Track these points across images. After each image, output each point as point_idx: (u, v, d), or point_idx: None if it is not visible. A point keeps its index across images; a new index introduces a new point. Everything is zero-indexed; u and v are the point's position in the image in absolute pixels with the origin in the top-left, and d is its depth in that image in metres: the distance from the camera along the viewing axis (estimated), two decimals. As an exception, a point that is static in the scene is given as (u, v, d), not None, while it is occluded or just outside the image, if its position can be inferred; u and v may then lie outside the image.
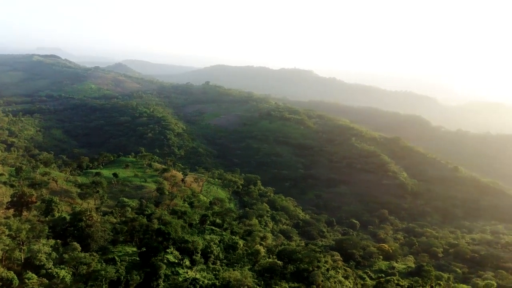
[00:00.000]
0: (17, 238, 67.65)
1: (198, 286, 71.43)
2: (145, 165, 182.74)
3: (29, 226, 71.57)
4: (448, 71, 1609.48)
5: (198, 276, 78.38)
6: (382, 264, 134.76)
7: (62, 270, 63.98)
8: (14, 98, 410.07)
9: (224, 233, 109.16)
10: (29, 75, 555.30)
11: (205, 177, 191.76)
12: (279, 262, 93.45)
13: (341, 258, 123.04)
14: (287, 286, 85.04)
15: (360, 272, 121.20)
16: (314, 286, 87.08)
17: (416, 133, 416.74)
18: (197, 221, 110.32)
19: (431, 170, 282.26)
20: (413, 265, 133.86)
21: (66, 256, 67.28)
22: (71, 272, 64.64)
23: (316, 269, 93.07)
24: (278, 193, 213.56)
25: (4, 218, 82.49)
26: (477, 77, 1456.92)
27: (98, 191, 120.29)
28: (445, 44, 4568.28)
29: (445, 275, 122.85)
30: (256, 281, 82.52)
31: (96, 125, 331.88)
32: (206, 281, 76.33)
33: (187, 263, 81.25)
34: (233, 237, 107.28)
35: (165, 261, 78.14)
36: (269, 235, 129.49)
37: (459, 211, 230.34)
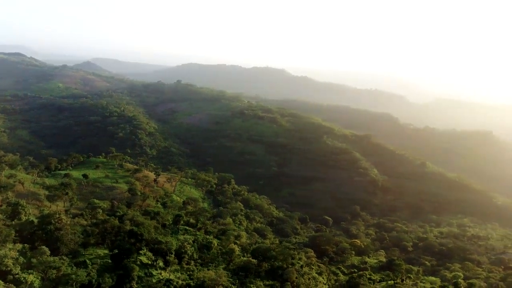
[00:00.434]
0: (-18, 244, 65.24)
1: (172, 287, 70.95)
2: (116, 166, 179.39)
3: (-6, 231, 69.13)
4: (416, 70, 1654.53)
5: (172, 276, 77.74)
6: (355, 259, 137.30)
7: (30, 275, 62.10)
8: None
9: (198, 233, 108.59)
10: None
11: (178, 176, 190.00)
12: (253, 260, 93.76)
13: (314, 255, 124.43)
14: (261, 284, 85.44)
15: (333, 268, 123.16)
16: (289, 283, 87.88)
17: (386, 130, 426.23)
18: (171, 222, 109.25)
19: (400, 166, 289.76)
20: (384, 260, 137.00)
21: (34, 260, 65.27)
22: (39, 277, 62.84)
23: (290, 266, 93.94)
24: (252, 191, 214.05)
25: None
26: (444, 76, 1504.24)
27: (67, 193, 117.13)
28: (413, 43, 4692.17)
29: (415, 268, 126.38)
30: (231, 280, 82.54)
31: (65, 125, 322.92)
32: (180, 282, 75.84)
33: (161, 264, 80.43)
34: (207, 236, 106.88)
35: (138, 262, 77.09)
36: (244, 233, 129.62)
37: (428, 206, 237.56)
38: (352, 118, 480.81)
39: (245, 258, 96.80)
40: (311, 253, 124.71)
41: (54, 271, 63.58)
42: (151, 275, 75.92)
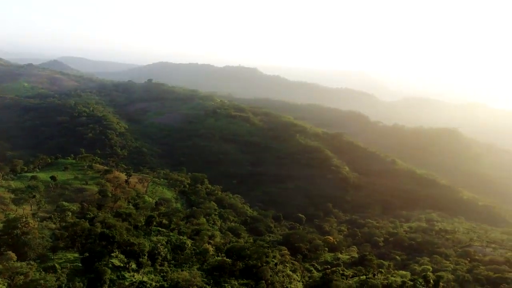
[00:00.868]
0: None
1: (145, 289, 69.99)
2: (85, 167, 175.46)
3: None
4: (387, 69, 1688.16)
5: (145, 278, 76.82)
6: (328, 256, 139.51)
7: (-4, 282, 60.07)
8: None
9: (171, 233, 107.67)
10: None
11: (150, 177, 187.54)
12: (228, 260, 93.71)
13: (288, 252, 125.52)
14: (236, 283, 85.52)
15: (307, 265, 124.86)
16: (263, 281, 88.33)
17: (357, 128, 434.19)
18: (143, 223, 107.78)
19: (371, 164, 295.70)
20: (356, 255, 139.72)
21: (0, 266, 63.09)
22: (6, 283, 60.79)
23: (264, 264, 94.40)
24: (226, 191, 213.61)
25: None
26: (412, 74, 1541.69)
27: (34, 196, 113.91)
28: (384, 43, 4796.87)
29: (386, 263, 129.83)
30: (205, 280, 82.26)
31: (31, 126, 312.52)
32: (154, 284, 75.02)
33: (134, 266, 79.35)
34: (181, 237, 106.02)
35: (110, 265, 75.83)
36: (218, 233, 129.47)
37: (398, 202, 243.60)
38: (323, 116, 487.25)
39: (219, 258, 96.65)
40: (285, 251, 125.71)
41: (22, 277, 61.69)
42: (124, 278, 74.78)
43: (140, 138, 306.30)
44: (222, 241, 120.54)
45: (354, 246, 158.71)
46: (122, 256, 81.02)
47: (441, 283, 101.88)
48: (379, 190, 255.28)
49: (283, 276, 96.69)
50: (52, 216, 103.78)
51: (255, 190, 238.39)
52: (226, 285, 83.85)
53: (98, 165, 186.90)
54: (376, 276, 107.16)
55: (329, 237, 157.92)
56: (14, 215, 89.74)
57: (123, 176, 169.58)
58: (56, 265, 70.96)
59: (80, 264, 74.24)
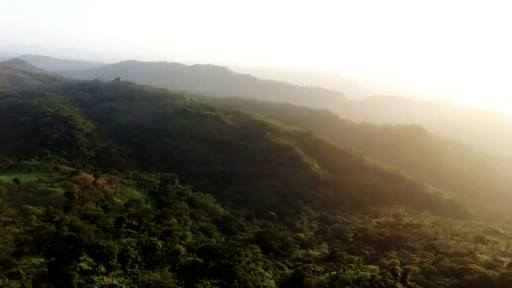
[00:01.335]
0: None
1: (115, 292, 68.67)
2: (51, 169, 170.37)
3: None
4: (358, 68, 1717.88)
5: (115, 281, 75.38)
6: (299, 253, 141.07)
7: (-44, 290, 57.42)
8: None
9: (141, 235, 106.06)
10: None
11: (119, 178, 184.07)
12: (200, 260, 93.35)
13: (260, 251, 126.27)
14: (208, 283, 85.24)
15: (279, 262, 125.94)
16: (236, 280, 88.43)
17: (326, 126, 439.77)
18: (112, 225, 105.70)
19: (340, 161, 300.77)
20: (327, 251, 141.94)
21: (-40, 274, 60.42)
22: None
23: (236, 263, 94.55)
24: (197, 190, 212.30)
25: None
26: (384, 74, 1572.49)
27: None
28: (356, 42, 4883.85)
29: (356, 258, 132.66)
30: (177, 281, 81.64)
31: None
32: (124, 286, 73.82)
33: (103, 269, 77.70)
34: (151, 238, 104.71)
35: (78, 269, 73.97)
36: (189, 233, 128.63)
37: (367, 198, 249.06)
38: (293, 115, 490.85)
39: (191, 258, 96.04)
40: (257, 249, 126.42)
41: (-16, 285, 59.32)
42: (93, 282, 73.11)
43: (108, 138, 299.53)
44: (194, 241, 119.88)
45: (325, 242, 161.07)
46: (90, 260, 79.25)
47: (408, 276, 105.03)
48: (348, 187, 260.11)
49: (255, 275, 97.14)
50: (16, 220, 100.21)
51: (227, 189, 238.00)
52: (198, 285, 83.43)
53: (64, 166, 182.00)
54: (346, 271, 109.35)
55: (300, 234, 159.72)
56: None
57: (90, 177, 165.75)
58: (21, 271, 68.69)
59: (46, 269, 72.09)
